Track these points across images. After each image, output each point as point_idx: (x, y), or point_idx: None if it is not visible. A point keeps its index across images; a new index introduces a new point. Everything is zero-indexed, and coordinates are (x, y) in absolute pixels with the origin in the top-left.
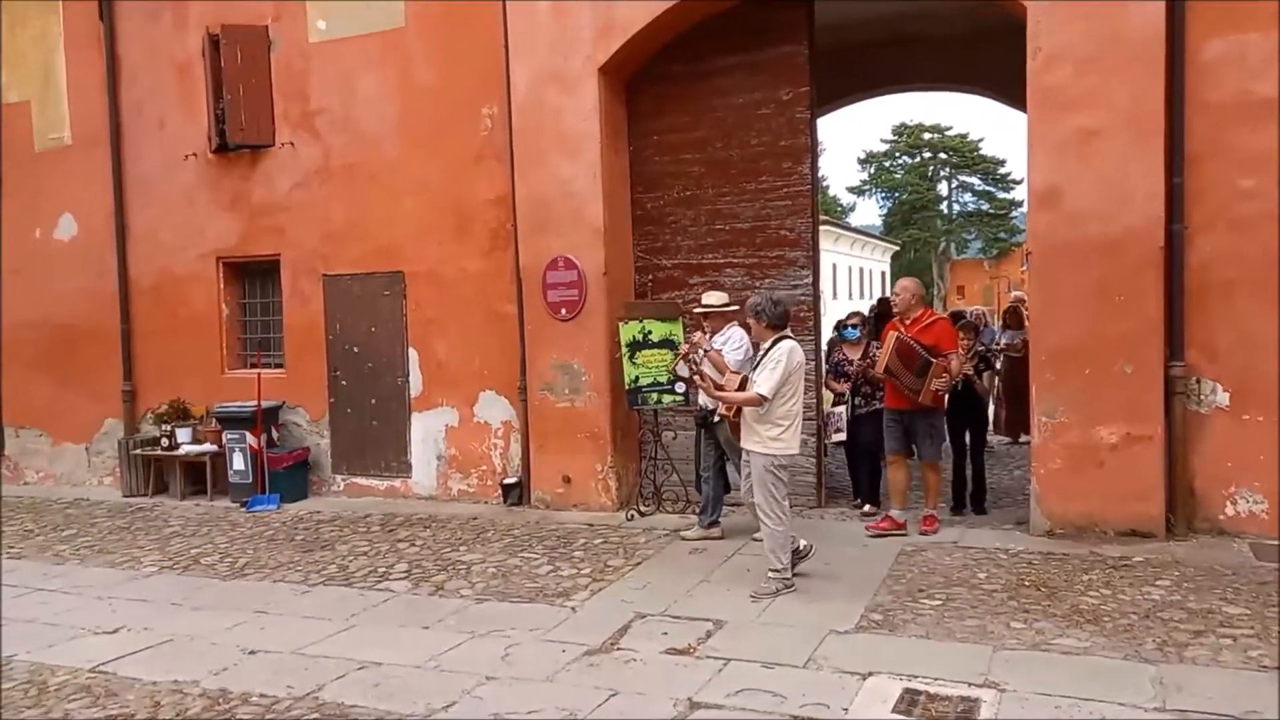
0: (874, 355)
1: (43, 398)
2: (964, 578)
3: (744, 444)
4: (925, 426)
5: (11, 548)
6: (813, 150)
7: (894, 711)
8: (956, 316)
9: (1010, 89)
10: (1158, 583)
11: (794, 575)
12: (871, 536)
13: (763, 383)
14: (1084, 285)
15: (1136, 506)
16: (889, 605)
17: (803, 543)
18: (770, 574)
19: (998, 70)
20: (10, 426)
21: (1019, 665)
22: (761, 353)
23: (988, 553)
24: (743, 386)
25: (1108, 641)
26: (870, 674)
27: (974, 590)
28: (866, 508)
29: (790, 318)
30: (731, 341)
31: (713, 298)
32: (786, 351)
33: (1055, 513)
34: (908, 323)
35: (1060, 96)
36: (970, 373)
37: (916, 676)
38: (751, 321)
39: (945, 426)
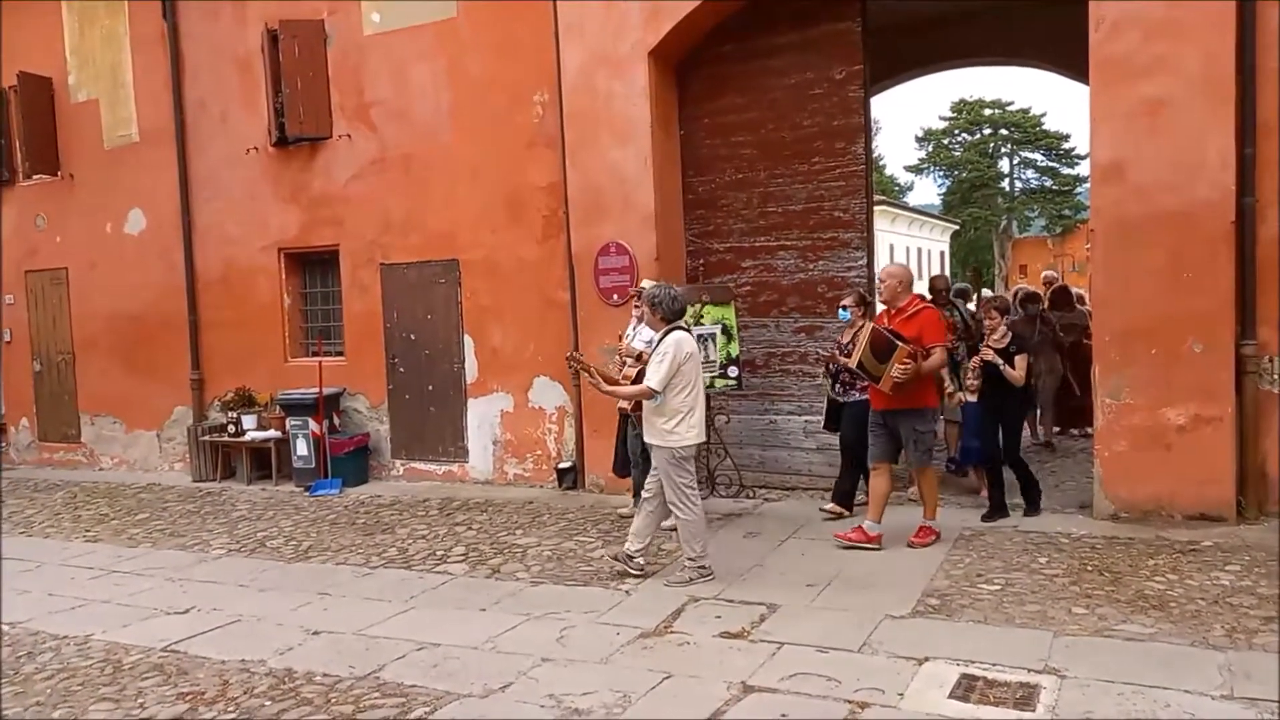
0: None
1: (117, 386)
2: (1024, 563)
3: (645, 438)
4: (909, 429)
5: (88, 531)
6: (867, 130)
7: (950, 697)
8: (1031, 298)
9: (1072, 61)
10: (1227, 568)
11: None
12: (840, 548)
13: (651, 375)
14: (1151, 262)
15: (1205, 490)
16: (946, 590)
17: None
18: (687, 562)
19: (1059, 41)
20: (87, 414)
21: (1080, 651)
22: (654, 344)
23: (1049, 537)
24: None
25: (1174, 628)
26: (926, 659)
27: (1034, 575)
28: (828, 507)
29: (685, 312)
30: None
31: (649, 285)
32: (674, 342)
33: (1120, 496)
34: (893, 312)
35: (1125, 65)
36: (993, 357)
37: (974, 662)
38: (647, 311)
39: (934, 426)
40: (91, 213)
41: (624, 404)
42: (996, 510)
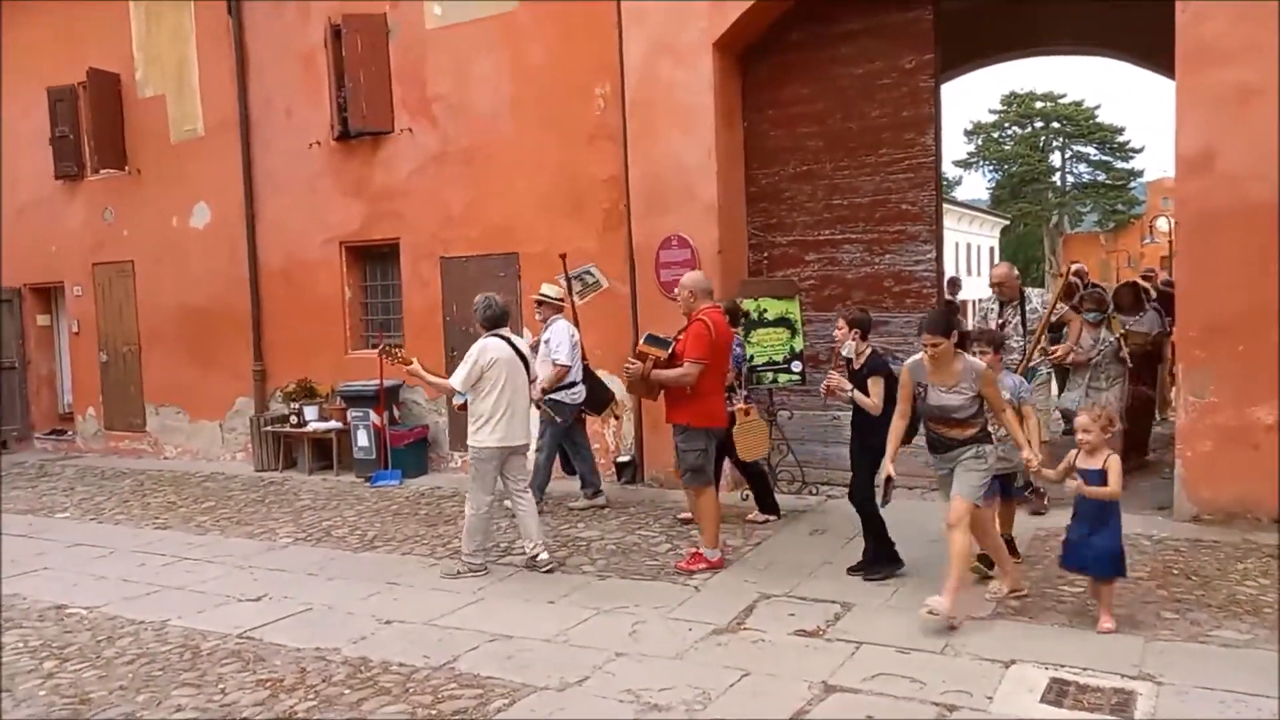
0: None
1: (181, 377)
2: None
3: None
4: (675, 444)
5: (157, 518)
6: (937, 121)
7: (1043, 702)
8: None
9: (1149, 49)
10: None
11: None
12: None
13: (455, 375)
14: (1239, 254)
15: None
16: (1026, 592)
17: (542, 555)
18: (462, 554)
19: (1135, 30)
20: (152, 404)
21: (1175, 657)
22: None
23: (1129, 538)
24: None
25: (1271, 634)
26: (1012, 662)
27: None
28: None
29: (506, 320)
30: (556, 334)
31: (549, 289)
32: (478, 349)
33: (1203, 498)
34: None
35: (1213, 50)
36: (838, 382)
37: (1063, 666)
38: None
39: (701, 445)
40: (158, 206)
41: (456, 402)
42: (876, 561)
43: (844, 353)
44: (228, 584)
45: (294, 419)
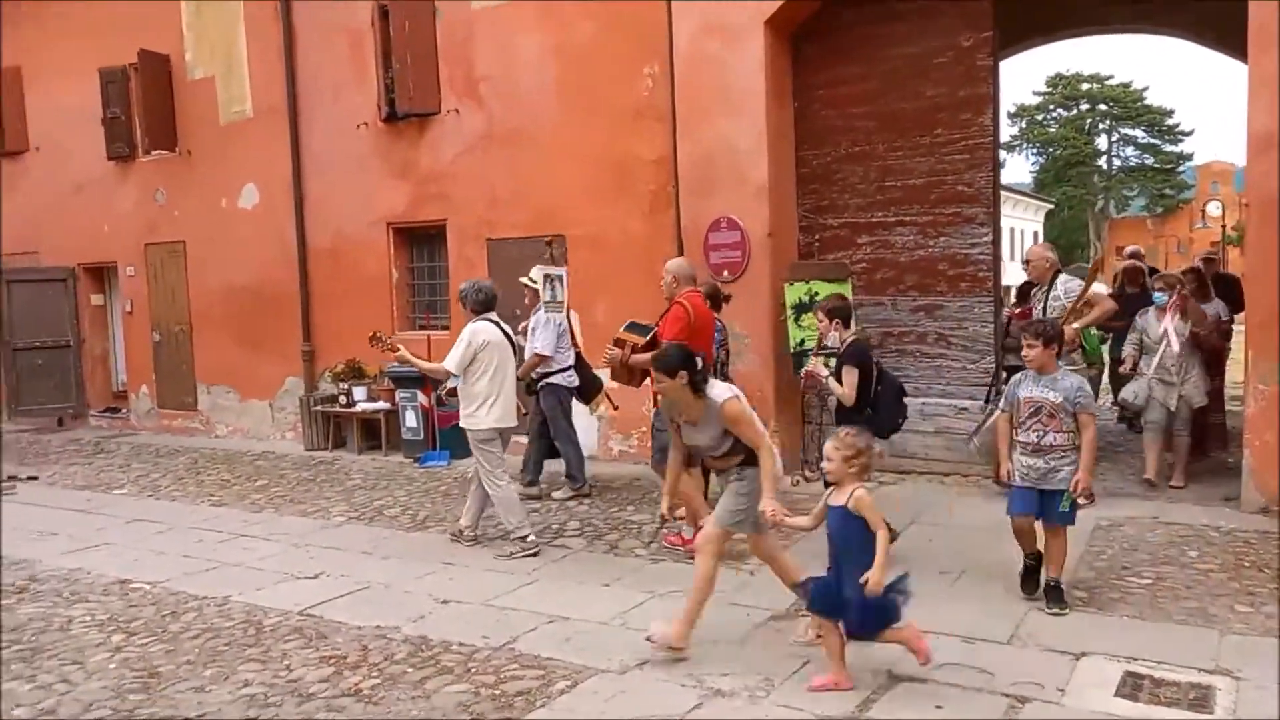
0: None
1: (231, 357)
2: (1172, 556)
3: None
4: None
5: (212, 495)
6: (995, 100)
7: (1117, 695)
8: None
9: (1209, 27)
10: None
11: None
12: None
13: (449, 358)
14: None
15: None
16: (1093, 582)
17: (468, 534)
18: (512, 534)
19: (1195, 7)
20: (203, 383)
21: (1253, 652)
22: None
23: (1195, 530)
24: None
25: None
26: (1083, 654)
27: (1186, 570)
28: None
29: (494, 304)
30: (539, 323)
31: (536, 272)
32: (470, 332)
33: (1272, 488)
34: None
35: None
36: (815, 367)
37: (1136, 659)
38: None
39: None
40: (207, 187)
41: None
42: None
43: (829, 343)
44: (285, 561)
45: (343, 399)
